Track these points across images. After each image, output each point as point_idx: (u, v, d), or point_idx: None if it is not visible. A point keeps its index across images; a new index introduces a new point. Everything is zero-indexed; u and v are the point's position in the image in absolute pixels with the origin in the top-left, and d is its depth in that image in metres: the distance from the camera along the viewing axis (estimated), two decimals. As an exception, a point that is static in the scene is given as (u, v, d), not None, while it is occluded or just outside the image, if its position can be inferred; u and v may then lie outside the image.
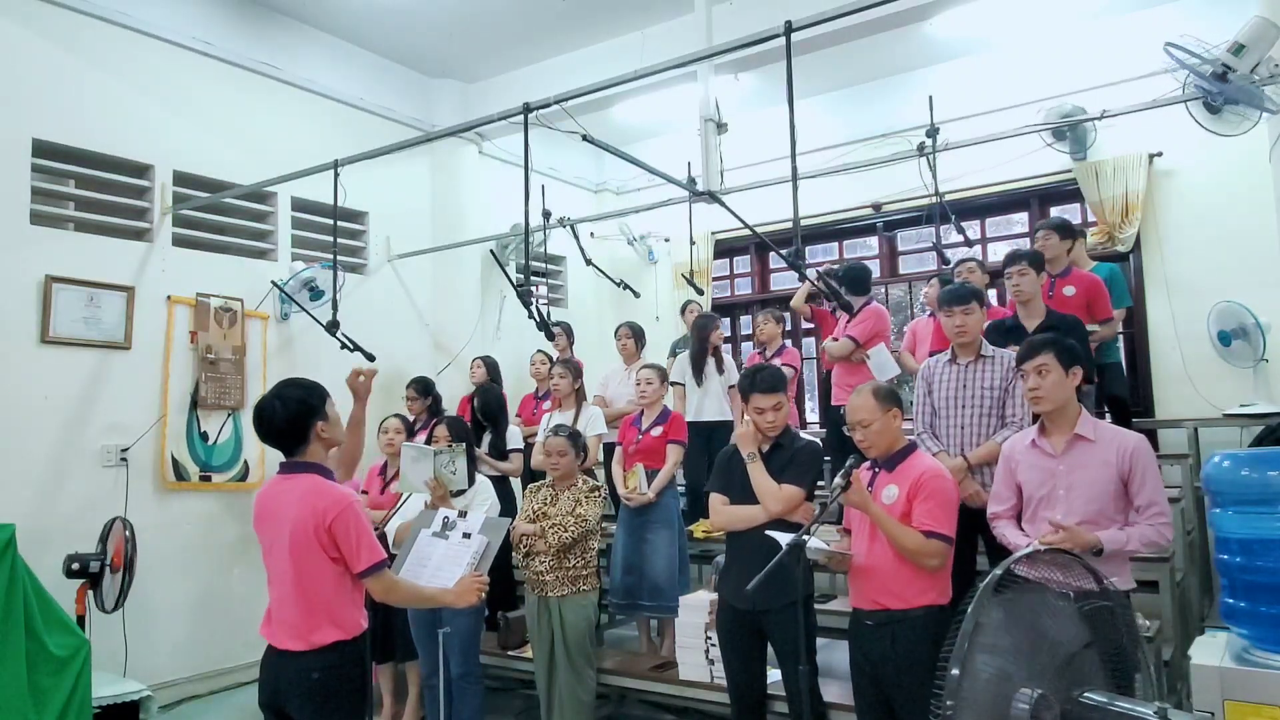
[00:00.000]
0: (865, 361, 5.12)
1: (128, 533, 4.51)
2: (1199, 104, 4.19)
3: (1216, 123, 4.23)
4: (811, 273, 4.30)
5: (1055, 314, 4.15)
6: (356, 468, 3.20)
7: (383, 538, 4.01)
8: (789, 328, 7.28)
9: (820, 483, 3.59)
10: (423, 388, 6.02)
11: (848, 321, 5.19)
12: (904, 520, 2.94)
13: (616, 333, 5.98)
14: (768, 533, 3.08)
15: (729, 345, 8.48)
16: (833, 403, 5.29)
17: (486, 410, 5.58)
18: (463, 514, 3.26)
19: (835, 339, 5.28)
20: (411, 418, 5.74)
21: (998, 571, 1.99)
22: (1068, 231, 4.95)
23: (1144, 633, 2.07)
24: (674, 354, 6.31)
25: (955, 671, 1.84)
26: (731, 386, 5.68)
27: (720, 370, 5.66)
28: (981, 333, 3.87)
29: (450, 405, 6.76)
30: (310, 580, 2.57)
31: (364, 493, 4.90)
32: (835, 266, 6.14)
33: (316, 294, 5.82)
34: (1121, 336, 5.47)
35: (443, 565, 3.02)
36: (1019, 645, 2.02)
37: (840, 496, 3.01)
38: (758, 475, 3.34)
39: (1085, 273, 4.96)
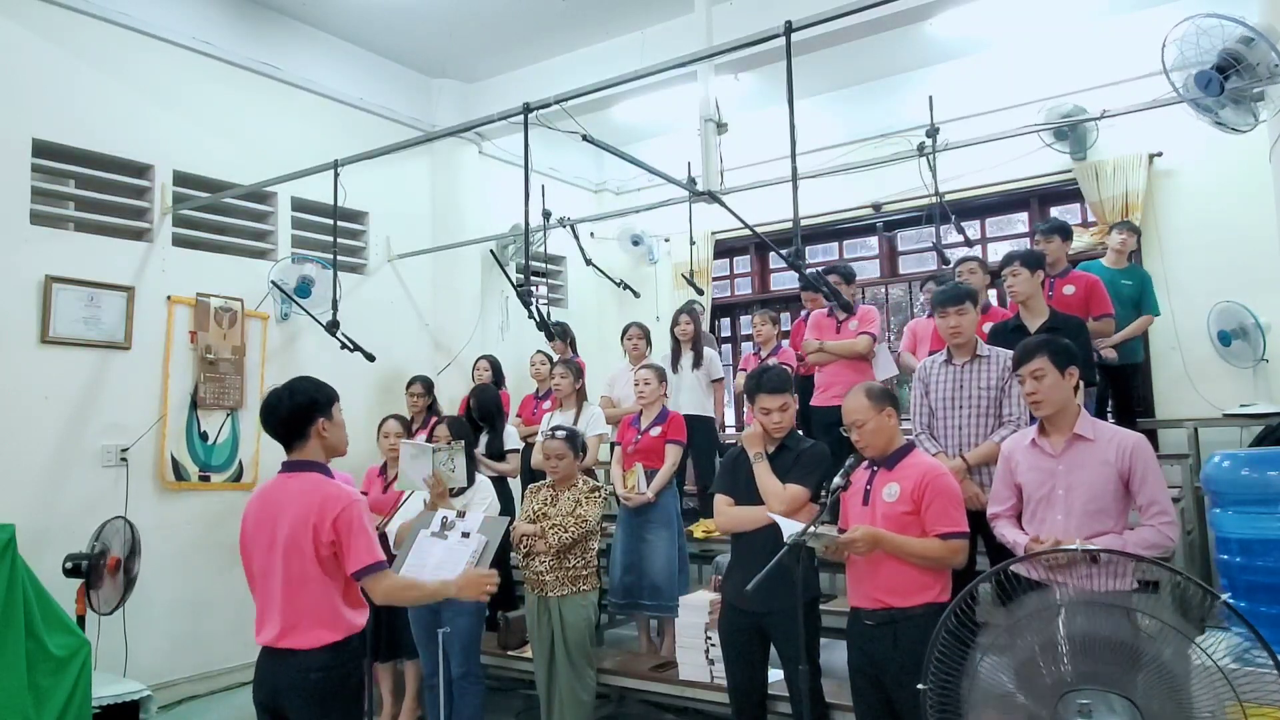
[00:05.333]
0: (872, 360, 5.10)
1: (128, 534, 4.52)
2: (1205, 91, 4.16)
3: (1223, 114, 4.21)
4: (811, 272, 4.29)
5: (1059, 314, 4.16)
6: None
7: (383, 538, 4.02)
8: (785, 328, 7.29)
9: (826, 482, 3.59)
10: (428, 386, 6.07)
11: (841, 321, 5.15)
12: (910, 517, 2.94)
13: (628, 333, 5.90)
14: (770, 515, 3.08)
15: (729, 344, 8.51)
16: (825, 404, 5.17)
17: (482, 410, 5.58)
18: (461, 514, 3.25)
19: (818, 339, 5.21)
20: (411, 415, 5.78)
21: (989, 573, 2.00)
22: (1068, 233, 5.04)
23: (1146, 632, 2.07)
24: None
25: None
26: (716, 380, 5.72)
27: (696, 364, 5.67)
28: (978, 333, 3.87)
29: (450, 405, 6.77)
30: (304, 579, 2.56)
31: (364, 494, 4.90)
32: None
33: (303, 290, 5.79)
34: (1140, 337, 5.49)
35: (443, 565, 3.01)
36: (1015, 644, 2.03)
37: (836, 495, 3.02)
38: (763, 476, 3.34)
39: (1083, 273, 5.00)
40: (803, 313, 6.12)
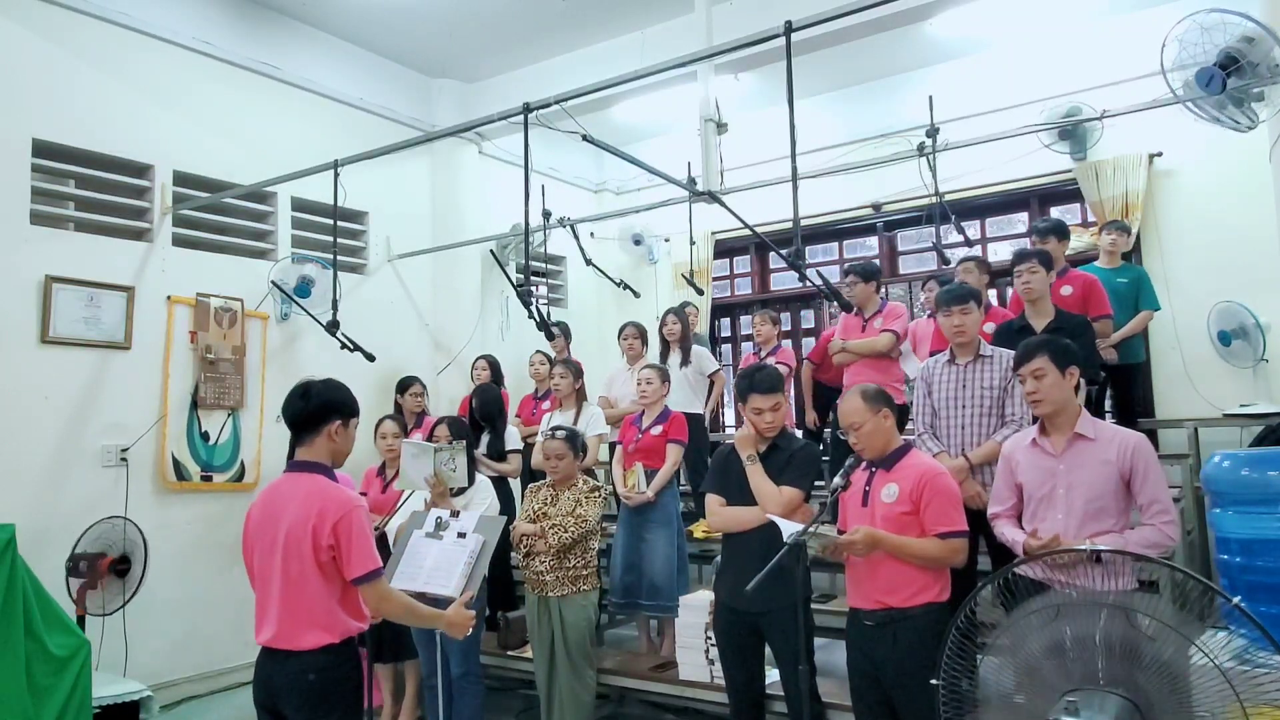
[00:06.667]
0: (898, 358, 5.04)
1: (134, 535, 4.54)
2: (1207, 89, 4.15)
3: (1222, 114, 4.21)
4: (811, 272, 4.28)
5: (1064, 314, 4.16)
6: None
7: (383, 538, 4.01)
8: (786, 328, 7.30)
9: (819, 482, 3.59)
10: (424, 386, 6.14)
11: (867, 320, 5.13)
12: (909, 517, 2.95)
13: (623, 333, 5.93)
14: (770, 517, 3.08)
15: (729, 344, 8.51)
16: None
17: (484, 410, 5.58)
18: (455, 513, 3.24)
19: (843, 338, 5.19)
20: (419, 411, 5.89)
21: (1000, 573, 2.00)
22: (1064, 233, 5.02)
23: (1146, 632, 2.07)
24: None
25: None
26: (714, 372, 5.77)
27: (685, 362, 5.68)
28: (980, 333, 3.87)
29: (451, 406, 6.77)
30: (303, 581, 2.56)
31: (363, 494, 4.90)
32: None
33: (303, 290, 5.79)
34: (1141, 336, 5.49)
35: (439, 566, 2.99)
36: (1016, 644, 2.03)
37: (836, 496, 3.01)
38: (757, 478, 3.33)
39: (1081, 272, 5.00)
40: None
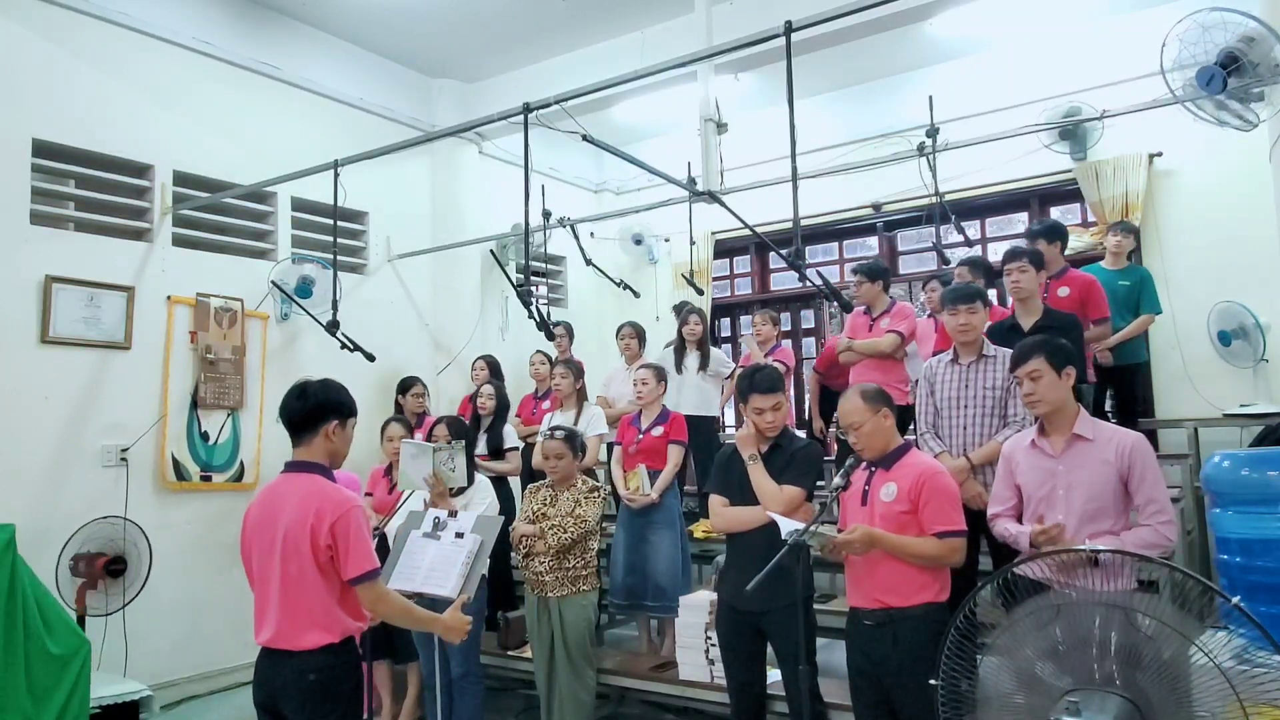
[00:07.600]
0: (903, 359, 5.01)
1: (131, 533, 4.54)
2: (1207, 88, 4.14)
3: (1222, 114, 4.20)
4: (811, 272, 4.27)
5: (1053, 312, 4.15)
6: None
7: (383, 538, 4.01)
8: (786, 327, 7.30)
9: (820, 482, 3.58)
10: (425, 386, 6.18)
11: (874, 319, 5.12)
12: (908, 516, 2.95)
13: (619, 332, 5.94)
14: (770, 514, 3.08)
15: (729, 344, 8.51)
16: None
17: (503, 401, 5.61)
18: (453, 514, 3.24)
19: (850, 336, 5.17)
20: (420, 412, 5.89)
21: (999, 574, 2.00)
22: (1056, 235, 4.98)
23: (1145, 632, 2.07)
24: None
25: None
26: (731, 374, 5.73)
27: (703, 365, 5.66)
28: (983, 333, 3.87)
29: (451, 406, 6.77)
30: (301, 581, 2.56)
31: (369, 494, 4.91)
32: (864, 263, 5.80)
33: (304, 291, 5.79)
34: (1143, 337, 5.46)
35: (437, 566, 2.99)
36: (1015, 645, 2.03)
37: (836, 495, 3.01)
38: (759, 477, 3.33)
39: (1080, 273, 4.98)
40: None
